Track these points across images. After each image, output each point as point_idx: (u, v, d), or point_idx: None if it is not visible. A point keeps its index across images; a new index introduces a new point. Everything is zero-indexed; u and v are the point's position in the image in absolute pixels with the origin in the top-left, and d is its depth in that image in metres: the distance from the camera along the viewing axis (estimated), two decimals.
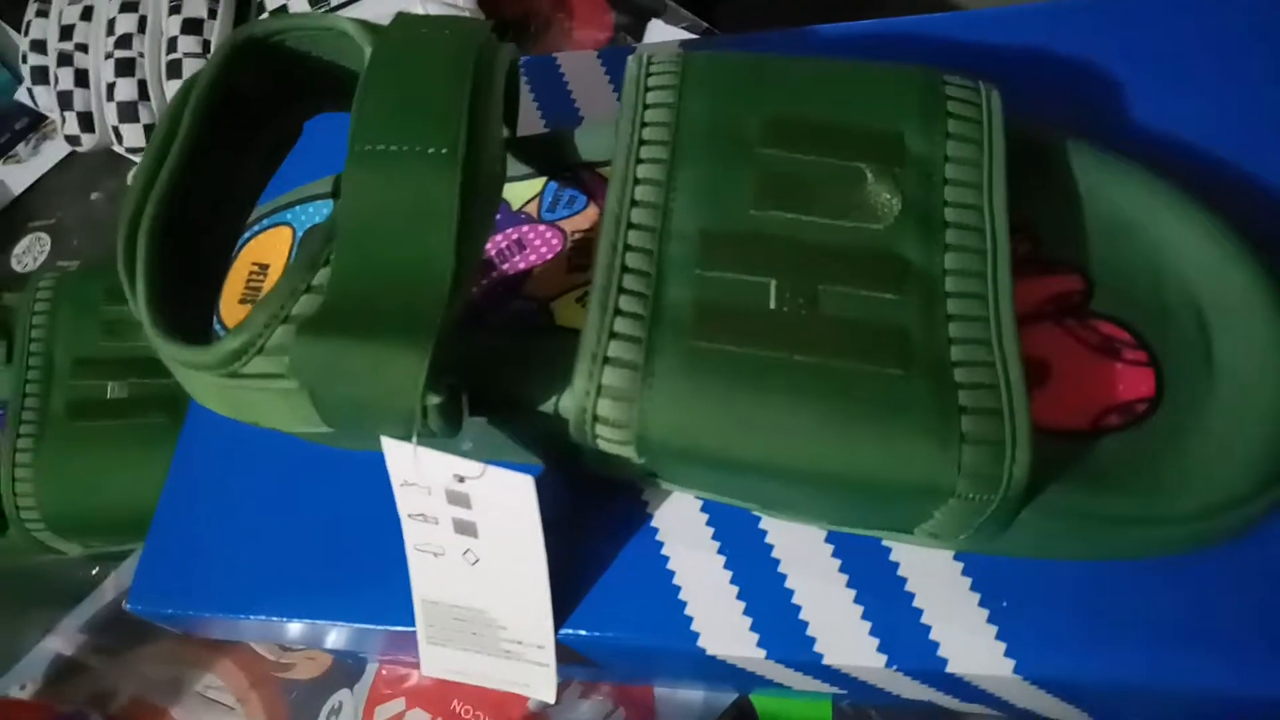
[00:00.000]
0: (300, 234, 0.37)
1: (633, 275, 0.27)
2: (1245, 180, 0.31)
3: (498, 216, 0.34)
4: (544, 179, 0.35)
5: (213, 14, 0.56)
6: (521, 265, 0.33)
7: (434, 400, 0.25)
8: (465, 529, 0.29)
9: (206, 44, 0.55)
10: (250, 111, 0.33)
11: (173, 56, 0.55)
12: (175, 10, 0.55)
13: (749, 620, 0.30)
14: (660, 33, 0.60)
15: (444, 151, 0.26)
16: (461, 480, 0.28)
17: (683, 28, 0.60)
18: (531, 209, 0.34)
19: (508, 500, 0.28)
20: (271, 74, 0.33)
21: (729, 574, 0.30)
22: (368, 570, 0.33)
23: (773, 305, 0.26)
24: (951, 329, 0.26)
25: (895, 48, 0.38)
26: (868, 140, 0.28)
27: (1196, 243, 0.28)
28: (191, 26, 0.55)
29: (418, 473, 0.28)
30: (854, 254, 0.27)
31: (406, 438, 0.26)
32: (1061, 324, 0.29)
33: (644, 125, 0.29)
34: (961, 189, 0.28)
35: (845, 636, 0.29)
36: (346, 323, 0.24)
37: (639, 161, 0.28)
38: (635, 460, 0.27)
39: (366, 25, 0.30)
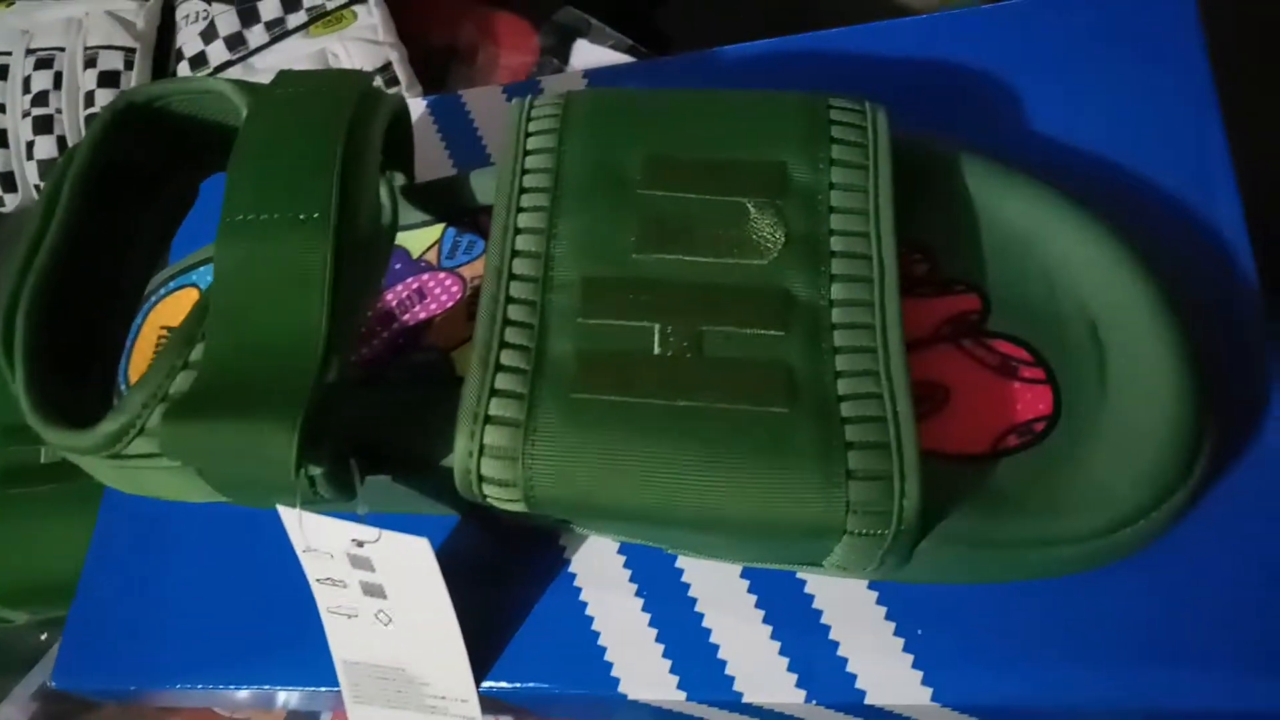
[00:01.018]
0: None
1: (514, 328, 0.26)
2: (1136, 188, 0.31)
3: (398, 265, 0.34)
4: (443, 225, 0.34)
5: (129, 65, 0.55)
6: (422, 315, 0.33)
7: (316, 471, 0.25)
8: (373, 591, 0.29)
9: None
10: (139, 178, 0.33)
11: (90, 111, 0.54)
12: (91, 64, 0.55)
13: (668, 663, 0.29)
14: (586, 53, 0.60)
15: (315, 216, 0.26)
16: (360, 545, 0.27)
17: (609, 47, 0.60)
18: (431, 256, 0.34)
19: (408, 562, 0.27)
20: (157, 139, 0.32)
21: (647, 616, 0.30)
22: (301, 632, 0.33)
23: (656, 350, 0.26)
24: (839, 362, 0.26)
25: (814, 63, 0.38)
26: (749, 173, 0.28)
27: (1089, 256, 0.28)
28: (108, 80, 0.55)
29: (312, 540, 0.27)
30: (738, 292, 0.26)
31: (296, 506, 0.26)
32: (959, 345, 0.29)
33: (525, 172, 0.29)
34: (848, 216, 0.28)
35: (763, 673, 0.29)
36: (216, 401, 0.24)
37: (520, 210, 0.28)
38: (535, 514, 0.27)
39: (243, 86, 0.30)
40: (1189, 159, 0.31)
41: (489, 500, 0.26)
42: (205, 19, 0.56)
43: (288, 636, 0.33)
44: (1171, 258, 0.29)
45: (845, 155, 0.28)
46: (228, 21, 0.55)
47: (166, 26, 0.58)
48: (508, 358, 0.26)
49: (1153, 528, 0.25)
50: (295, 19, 0.55)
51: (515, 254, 0.27)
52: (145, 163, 0.32)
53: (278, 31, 0.56)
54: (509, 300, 0.27)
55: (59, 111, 0.55)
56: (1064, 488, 0.26)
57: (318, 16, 0.55)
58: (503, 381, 0.25)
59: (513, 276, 0.27)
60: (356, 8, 0.56)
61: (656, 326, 0.26)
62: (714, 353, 0.26)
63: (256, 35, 0.56)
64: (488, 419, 0.25)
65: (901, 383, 0.25)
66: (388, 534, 0.27)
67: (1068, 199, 0.29)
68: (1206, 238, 0.30)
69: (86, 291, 0.31)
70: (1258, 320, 0.29)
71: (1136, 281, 0.27)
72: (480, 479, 0.25)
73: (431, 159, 0.40)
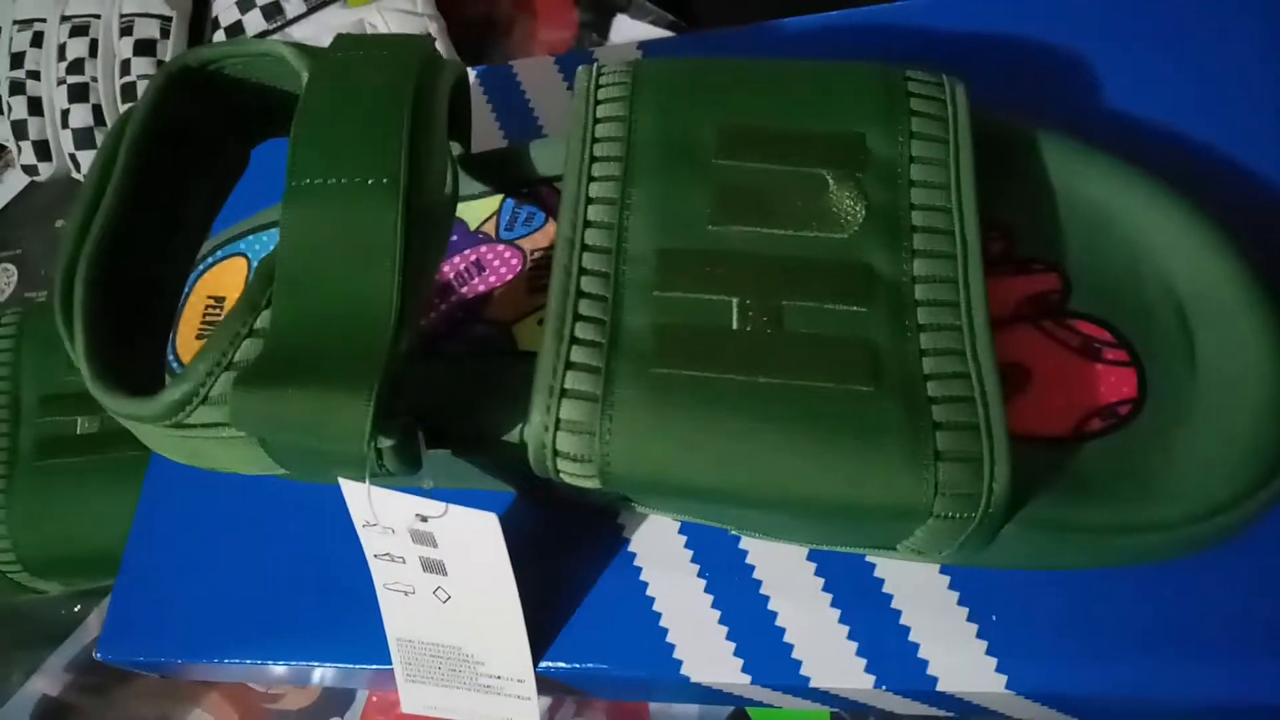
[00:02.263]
0: (255, 264, 0.36)
1: (589, 300, 0.26)
2: (1221, 167, 0.30)
3: (454, 237, 0.33)
4: (501, 196, 0.34)
5: (165, 34, 0.55)
6: (481, 288, 0.32)
7: (386, 443, 0.24)
8: (433, 567, 0.28)
9: (160, 65, 0.54)
10: (193, 142, 0.32)
11: (126, 80, 0.54)
12: (126, 32, 0.54)
13: (732, 645, 0.29)
14: (626, 29, 0.59)
15: (384, 181, 0.25)
16: (424, 520, 0.27)
17: (649, 22, 0.59)
18: (489, 228, 0.33)
19: (473, 538, 0.27)
20: (211, 103, 0.32)
21: (710, 598, 0.29)
22: (345, 608, 0.32)
23: (735, 325, 0.25)
24: (923, 340, 0.25)
25: (864, 38, 0.37)
26: (827, 145, 0.27)
27: (1174, 234, 0.27)
28: (144, 48, 0.54)
29: (377, 514, 0.27)
30: (818, 266, 0.26)
31: (363, 480, 0.25)
32: (1039, 326, 0.28)
33: (595, 141, 0.28)
34: (929, 190, 0.27)
35: (832, 658, 0.28)
36: (286, 370, 0.23)
37: (591, 179, 0.27)
38: (603, 491, 0.26)
39: (303, 49, 0.29)
40: (1275, 135, 0.30)
41: (562, 476, 0.25)
42: None
43: (332, 613, 0.33)
44: (1258, 238, 0.28)
45: (925, 128, 0.27)
46: None
47: None
48: (582, 330, 0.25)
49: (1246, 515, 0.24)
50: None
51: (588, 224, 0.27)
52: (200, 127, 0.32)
53: (315, 1, 0.55)
54: (582, 272, 0.26)
55: (94, 80, 0.54)
56: (1152, 473, 0.25)
57: None
58: (578, 355, 0.25)
59: (585, 247, 0.26)
60: None
61: (735, 300, 0.25)
62: (794, 328, 0.25)
63: (294, 5, 0.55)
64: (563, 393, 0.24)
65: (988, 362, 0.24)
66: (455, 508, 0.26)
67: (1149, 177, 0.29)
68: None
69: (141, 258, 0.30)
70: None
71: (1225, 260, 0.27)
72: (556, 454, 0.25)
73: (482, 129, 0.39)
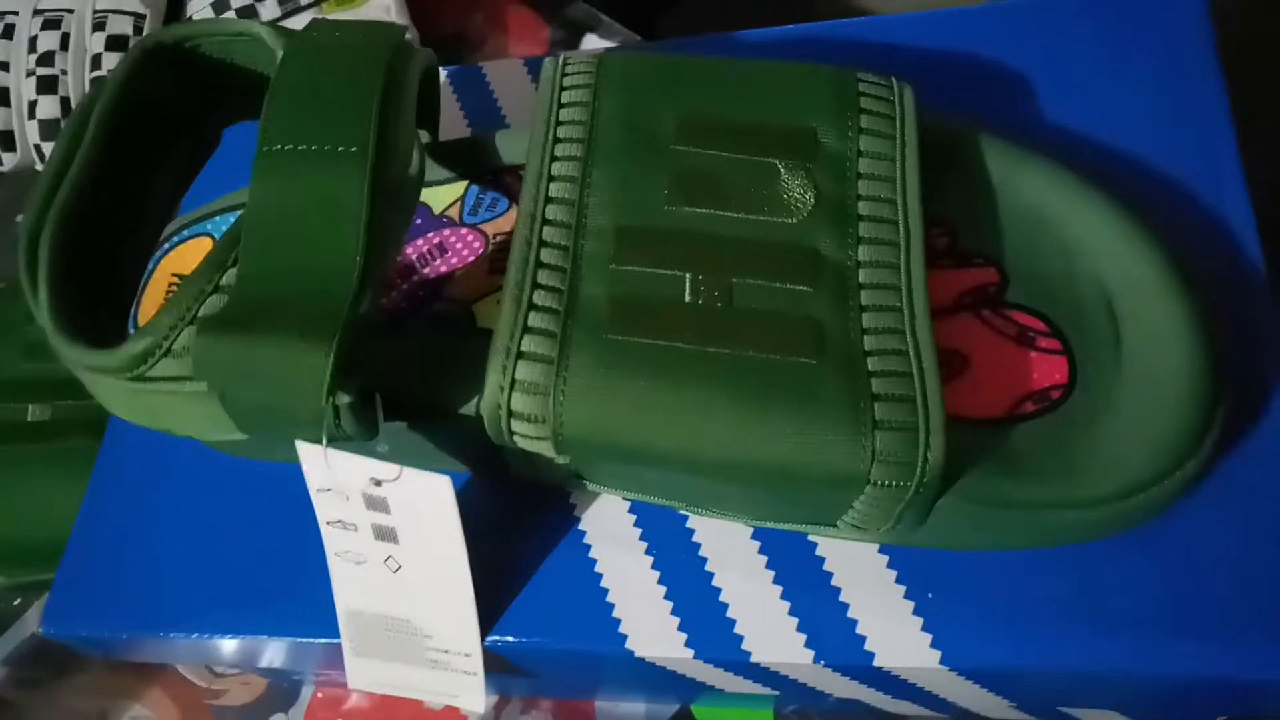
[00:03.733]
0: None
1: (547, 270, 0.27)
2: (1150, 171, 0.32)
3: (419, 220, 0.34)
4: (466, 182, 0.34)
5: (139, 31, 0.55)
6: (443, 269, 0.33)
7: (343, 400, 0.25)
8: (385, 535, 0.29)
9: None
10: (164, 119, 0.33)
11: (96, 74, 0.54)
12: (99, 27, 0.54)
13: (677, 620, 0.29)
14: (595, 48, 0.60)
15: (353, 150, 0.26)
16: (379, 484, 0.27)
17: (618, 42, 0.60)
18: (453, 212, 0.34)
19: (427, 503, 0.27)
20: (185, 81, 0.32)
21: (656, 574, 0.30)
22: (296, 584, 0.33)
23: (688, 299, 0.26)
24: (865, 319, 0.26)
25: (817, 52, 0.39)
26: (781, 136, 0.28)
27: (1104, 232, 0.29)
28: (116, 44, 0.54)
29: (331, 476, 0.27)
30: (768, 248, 0.27)
31: (319, 440, 0.26)
32: (978, 315, 0.29)
33: (559, 124, 0.29)
34: (875, 183, 0.28)
35: (773, 633, 0.29)
36: (249, 321, 0.24)
37: (554, 159, 0.28)
38: (555, 457, 0.27)
39: (279, 29, 0.30)
40: (1198, 151, 0.32)
41: (516, 438, 0.26)
42: None
43: (282, 588, 0.33)
44: (1181, 243, 0.30)
45: (873, 125, 0.29)
46: None
47: None
48: (540, 298, 0.26)
49: (1164, 496, 0.26)
50: None
51: (549, 200, 0.28)
52: (171, 103, 0.32)
53: (290, 6, 0.56)
54: (542, 244, 0.27)
55: (64, 73, 0.54)
56: (1079, 453, 0.27)
57: None
58: (535, 320, 0.26)
59: (546, 221, 0.27)
60: None
61: (688, 276, 0.26)
62: (744, 304, 0.26)
63: (268, 9, 0.56)
64: (520, 354, 0.25)
65: (926, 341, 0.26)
66: (409, 471, 0.27)
67: (1083, 179, 0.30)
68: (1215, 224, 0.31)
69: (106, 227, 0.31)
70: (1265, 303, 0.30)
71: (1151, 257, 0.28)
72: (510, 414, 0.25)
73: (451, 129, 0.40)
